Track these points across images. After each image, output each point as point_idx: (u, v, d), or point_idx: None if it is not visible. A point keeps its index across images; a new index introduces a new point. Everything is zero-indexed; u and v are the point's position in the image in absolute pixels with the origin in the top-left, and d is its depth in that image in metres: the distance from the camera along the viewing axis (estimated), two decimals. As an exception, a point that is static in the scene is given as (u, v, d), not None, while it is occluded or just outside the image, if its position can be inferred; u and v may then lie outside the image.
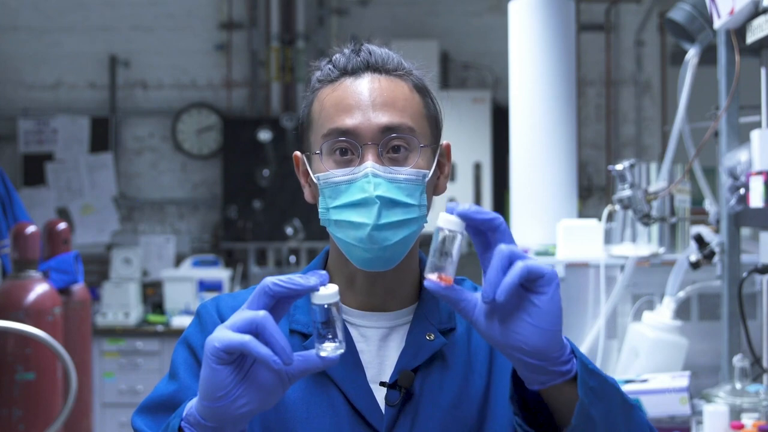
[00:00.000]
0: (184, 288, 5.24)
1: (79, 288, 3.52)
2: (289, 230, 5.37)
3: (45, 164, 5.67)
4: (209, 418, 0.97)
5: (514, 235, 1.01)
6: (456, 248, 0.98)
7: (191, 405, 1.01)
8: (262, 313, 0.95)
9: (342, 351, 0.98)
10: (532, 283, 0.97)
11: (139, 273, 5.43)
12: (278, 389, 0.97)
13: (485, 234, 0.99)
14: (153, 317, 5.21)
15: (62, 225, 3.62)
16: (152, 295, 5.49)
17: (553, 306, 0.97)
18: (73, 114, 5.72)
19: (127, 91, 5.81)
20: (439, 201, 1.23)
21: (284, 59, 5.66)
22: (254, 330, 0.95)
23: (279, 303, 0.98)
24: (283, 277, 0.97)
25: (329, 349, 0.97)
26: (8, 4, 5.74)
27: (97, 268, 5.56)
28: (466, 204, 0.99)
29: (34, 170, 5.66)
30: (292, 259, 5.51)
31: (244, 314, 0.96)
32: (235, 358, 0.96)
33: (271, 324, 0.95)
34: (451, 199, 5.24)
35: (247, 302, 0.98)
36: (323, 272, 0.99)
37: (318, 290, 0.97)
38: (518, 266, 0.95)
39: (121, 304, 5.13)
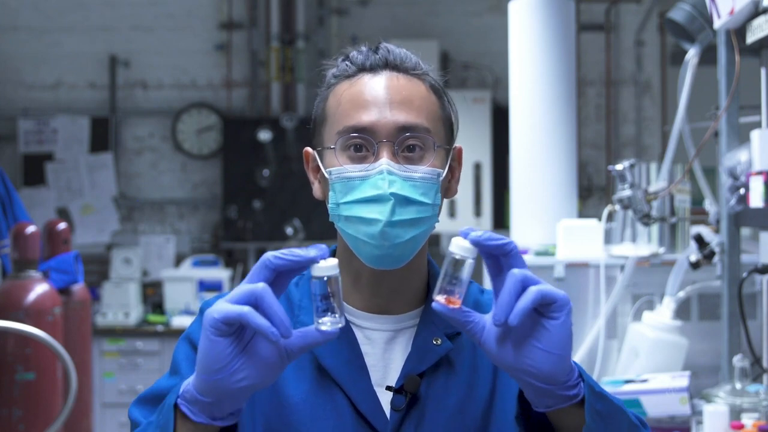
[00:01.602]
0: (184, 288, 5.24)
1: (79, 288, 3.51)
2: (289, 230, 5.37)
3: (45, 164, 5.67)
4: (207, 392, 0.97)
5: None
6: (466, 273, 0.99)
7: (188, 382, 1.00)
8: (261, 285, 0.95)
9: (341, 326, 0.97)
10: (545, 307, 0.98)
11: (139, 273, 5.43)
12: (277, 364, 0.97)
13: (497, 258, 1.00)
14: (153, 317, 5.21)
15: (62, 225, 3.61)
16: (152, 295, 5.48)
17: (564, 331, 0.98)
18: (73, 114, 5.72)
19: (127, 91, 5.81)
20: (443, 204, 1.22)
21: (284, 59, 5.66)
22: (253, 302, 0.94)
23: (279, 277, 0.98)
24: (283, 250, 0.97)
25: (328, 324, 0.97)
26: (8, 4, 5.74)
27: (97, 268, 5.56)
28: (479, 230, 0.99)
29: (34, 170, 5.66)
30: (292, 259, 5.51)
31: (243, 287, 0.96)
32: (235, 329, 0.95)
33: (270, 296, 0.95)
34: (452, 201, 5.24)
35: (248, 276, 0.98)
36: (323, 245, 0.98)
37: (318, 262, 0.97)
38: (532, 291, 0.96)
39: (121, 304, 5.13)
